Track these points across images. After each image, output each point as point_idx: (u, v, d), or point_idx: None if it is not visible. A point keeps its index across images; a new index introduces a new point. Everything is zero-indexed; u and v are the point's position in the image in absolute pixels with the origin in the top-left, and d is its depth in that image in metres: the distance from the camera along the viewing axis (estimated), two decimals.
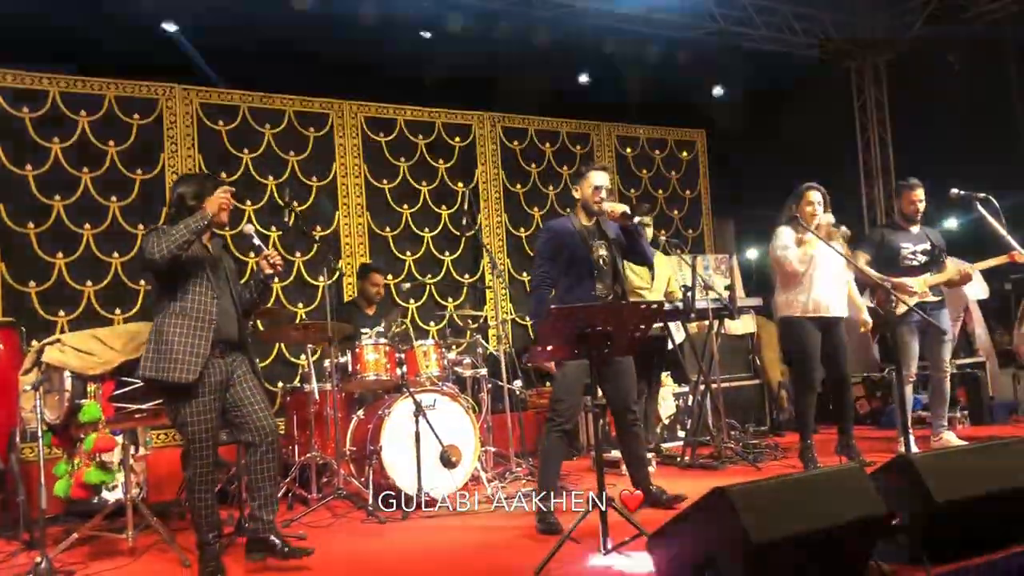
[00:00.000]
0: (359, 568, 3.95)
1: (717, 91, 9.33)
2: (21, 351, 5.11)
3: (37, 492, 3.88)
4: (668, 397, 6.84)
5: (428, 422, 5.11)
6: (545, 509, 4.31)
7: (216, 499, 3.98)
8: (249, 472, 3.95)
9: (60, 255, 6.54)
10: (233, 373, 3.93)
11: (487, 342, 6.72)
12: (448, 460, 5.21)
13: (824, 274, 5.37)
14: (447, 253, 8.16)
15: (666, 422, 6.92)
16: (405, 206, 8.01)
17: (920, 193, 5.85)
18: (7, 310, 6.21)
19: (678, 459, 6.14)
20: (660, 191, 9.41)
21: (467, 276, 8.24)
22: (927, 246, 5.80)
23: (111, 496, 4.73)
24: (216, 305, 3.86)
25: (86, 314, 6.53)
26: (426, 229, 8.08)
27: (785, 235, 5.40)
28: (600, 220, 4.57)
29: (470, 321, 6.97)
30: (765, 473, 5.55)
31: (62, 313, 6.48)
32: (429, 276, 8.03)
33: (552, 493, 4.40)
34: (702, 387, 6.34)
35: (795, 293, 5.38)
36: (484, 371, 6.23)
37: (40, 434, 3.95)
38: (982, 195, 5.42)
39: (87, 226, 6.65)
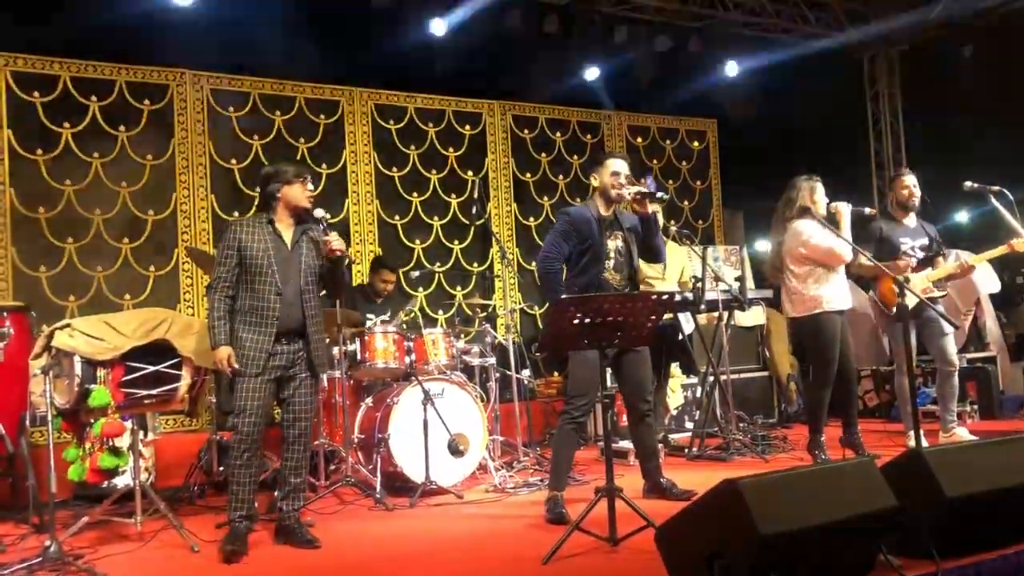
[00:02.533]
0: (366, 555, 3.96)
1: (731, 67, 9.20)
2: (31, 335, 5.13)
3: (47, 476, 3.88)
4: (677, 388, 6.83)
5: (436, 410, 5.11)
6: (554, 499, 4.31)
7: (253, 479, 4.09)
8: (280, 465, 4.27)
9: (70, 240, 6.55)
10: (295, 365, 4.12)
11: (495, 331, 6.72)
12: (456, 448, 5.22)
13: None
14: (456, 242, 8.15)
15: (674, 413, 6.91)
16: (414, 194, 8.00)
17: (911, 180, 5.77)
18: (18, 294, 6.23)
19: (686, 450, 6.13)
20: (671, 181, 9.37)
21: (476, 265, 8.23)
22: (925, 240, 5.73)
23: (120, 481, 4.74)
24: (279, 300, 4.04)
25: (95, 299, 6.56)
26: (435, 217, 8.07)
27: (813, 227, 5.30)
28: (617, 210, 4.55)
29: (478, 310, 6.96)
30: (773, 465, 5.54)
31: (72, 298, 6.51)
32: (438, 264, 8.02)
33: (562, 484, 4.41)
34: (711, 378, 6.33)
35: (822, 287, 5.30)
36: (492, 360, 6.22)
37: (50, 419, 3.96)
38: (996, 187, 5.36)
39: (97, 211, 6.66)
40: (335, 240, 4.15)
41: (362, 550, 4.05)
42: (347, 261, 4.31)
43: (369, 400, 5.71)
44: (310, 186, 4.23)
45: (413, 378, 5.31)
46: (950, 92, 9.27)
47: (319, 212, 4.24)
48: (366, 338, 5.55)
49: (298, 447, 4.19)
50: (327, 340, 4.53)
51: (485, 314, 7.04)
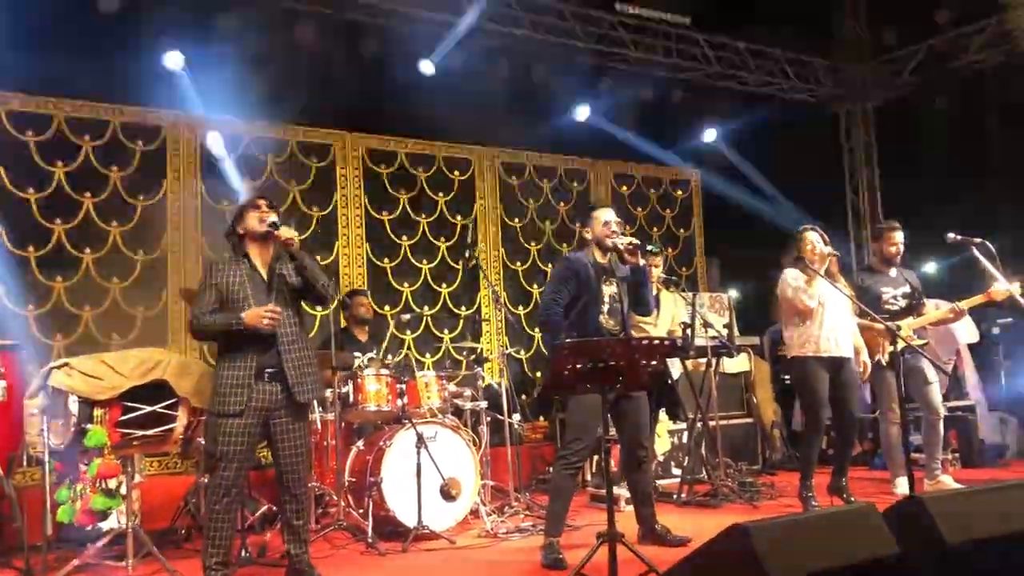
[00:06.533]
0: None
1: (709, 134, 9.51)
2: (23, 374, 5.07)
3: (42, 517, 3.83)
4: (663, 433, 6.86)
5: (430, 454, 5.10)
6: (551, 544, 4.32)
7: (231, 525, 4.00)
8: (282, 510, 4.19)
9: (59, 279, 6.51)
10: (277, 408, 4.01)
11: (484, 374, 6.74)
12: (448, 493, 5.21)
13: (831, 313, 5.39)
14: (444, 285, 8.19)
15: (661, 459, 6.93)
16: (404, 237, 8.06)
17: (900, 236, 5.90)
18: (5, 333, 6.16)
19: (675, 496, 6.14)
20: (655, 229, 9.51)
21: (463, 308, 8.27)
22: (907, 289, 5.86)
23: (105, 524, 4.67)
24: (255, 337, 3.94)
25: (83, 339, 6.50)
26: (424, 261, 8.12)
27: (793, 275, 5.43)
28: (612, 259, 4.64)
29: (466, 353, 6.98)
30: (764, 512, 5.56)
31: (59, 337, 6.45)
32: (426, 307, 8.05)
33: (559, 529, 4.42)
34: (699, 425, 6.37)
35: (804, 332, 5.40)
36: (484, 404, 6.23)
37: (46, 460, 3.92)
38: (978, 239, 5.51)
39: (87, 251, 6.63)
40: (284, 232, 3.99)
41: None
42: (305, 261, 4.09)
43: (360, 443, 5.68)
44: (264, 209, 4.08)
45: (407, 421, 5.30)
46: (924, 145, 9.53)
47: (270, 217, 4.07)
48: (359, 380, 5.54)
49: (298, 491, 4.10)
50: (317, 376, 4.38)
51: (474, 357, 7.05)
